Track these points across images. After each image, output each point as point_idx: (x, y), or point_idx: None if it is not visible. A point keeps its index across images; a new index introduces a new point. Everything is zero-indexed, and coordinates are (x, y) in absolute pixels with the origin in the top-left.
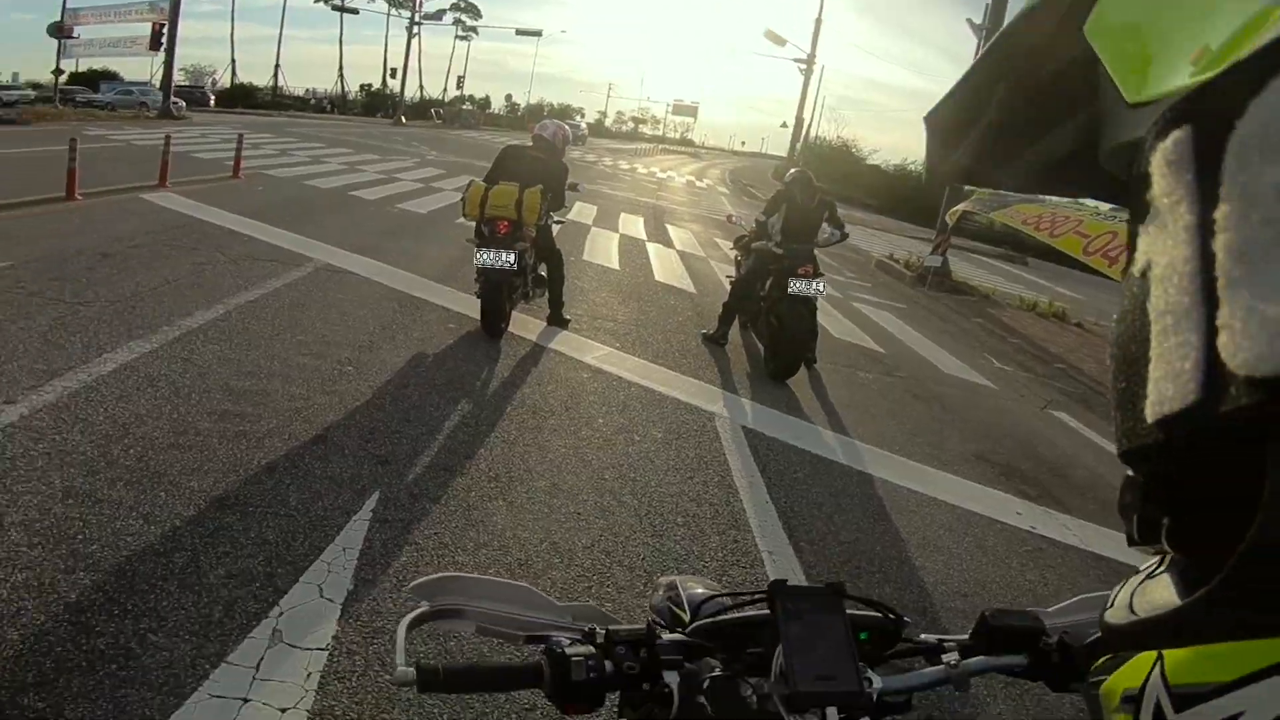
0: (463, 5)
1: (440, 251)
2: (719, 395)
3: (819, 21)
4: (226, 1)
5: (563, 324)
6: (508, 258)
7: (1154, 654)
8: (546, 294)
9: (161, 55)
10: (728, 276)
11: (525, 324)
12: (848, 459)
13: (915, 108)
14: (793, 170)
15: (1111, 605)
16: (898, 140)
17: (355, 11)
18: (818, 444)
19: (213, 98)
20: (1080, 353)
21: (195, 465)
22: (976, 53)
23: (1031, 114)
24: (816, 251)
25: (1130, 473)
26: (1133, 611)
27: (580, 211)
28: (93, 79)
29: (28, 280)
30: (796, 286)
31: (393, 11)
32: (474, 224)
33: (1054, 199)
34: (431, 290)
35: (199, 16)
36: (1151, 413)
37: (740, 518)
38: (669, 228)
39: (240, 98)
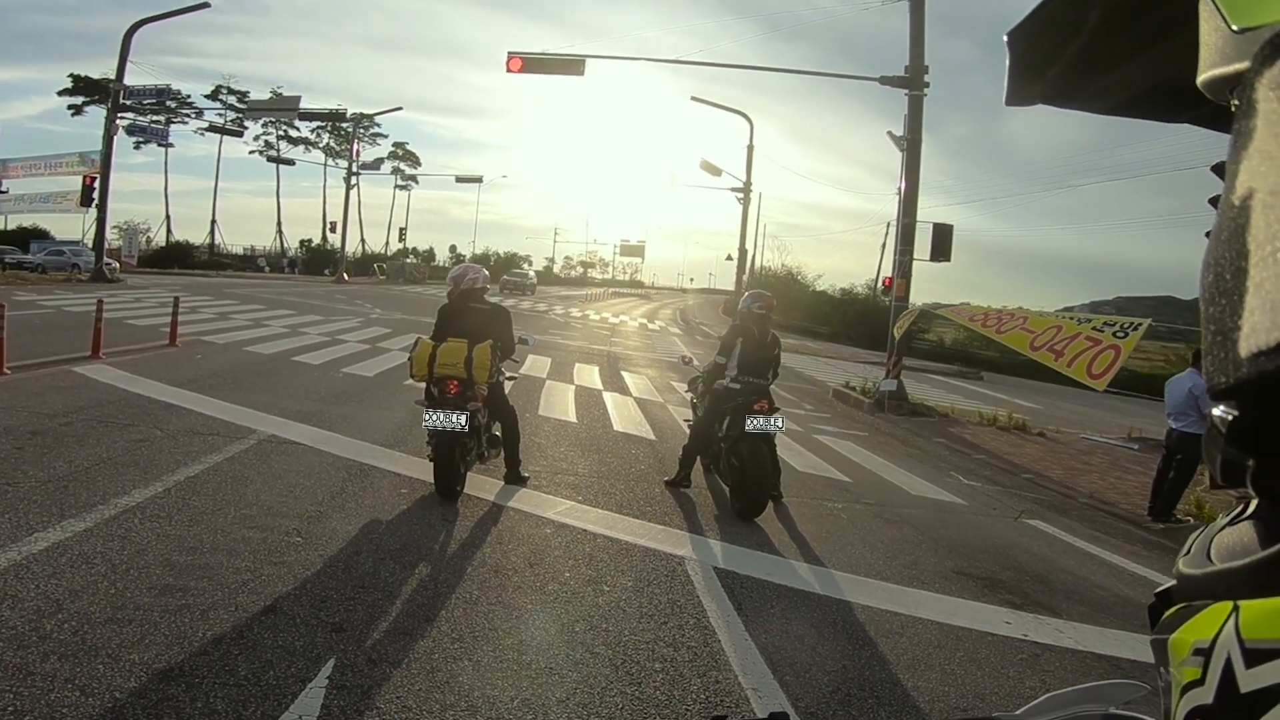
0: (400, 154)
1: (389, 416)
2: (687, 539)
3: (750, 149)
4: (159, 153)
5: (521, 482)
6: (459, 419)
7: (1229, 606)
8: (502, 453)
9: (93, 212)
10: (686, 420)
11: (482, 484)
12: (825, 589)
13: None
14: (747, 295)
15: (1187, 553)
16: (839, 263)
17: (291, 162)
18: (792, 577)
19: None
20: (1046, 461)
21: (135, 639)
22: (901, 163)
23: (1127, 33)
24: (771, 386)
25: (1216, 411)
26: (1209, 560)
27: (533, 365)
28: (22, 238)
29: None
30: (754, 424)
31: (329, 162)
32: (423, 385)
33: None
34: (381, 456)
35: (131, 169)
36: (1245, 346)
37: (720, 658)
38: (625, 375)
39: (176, 257)
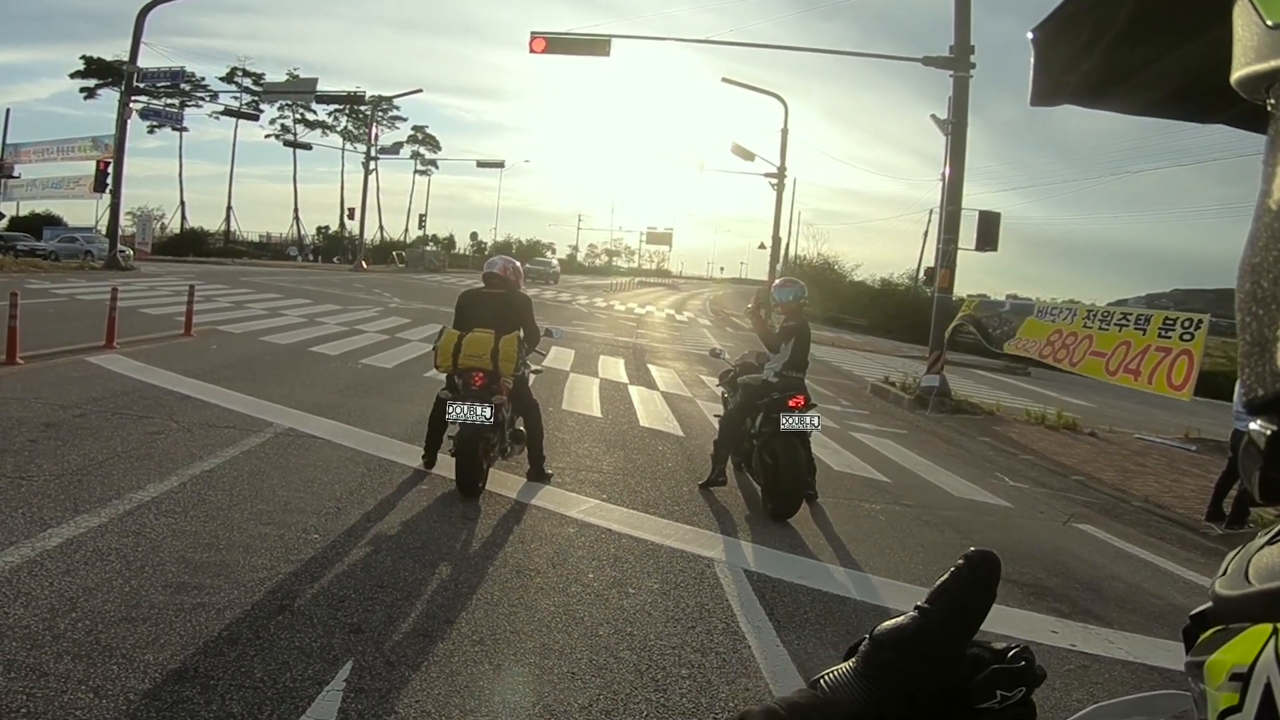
0: (420, 137)
1: (409, 409)
2: (717, 540)
3: (785, 132)
4: (173, 137)
5: (544, 479)
6: (484, 412)
7: (1269, 629)
8: (525, 449)
9: (107, 198)
10: (716, 416)
11: (504, 481)
12: (862, 594)
13: (892, 214)
14: (781, 283)
15: (1224, 573)
16: (878, 251)
17: (308, 147)
18: (828, 581)
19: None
20: (1098, 463)
21: (150, 638)
22: (946, 147)
23: (1158, 29)
24: (806, 380)
25: (1254, 426)
26: (1248, 580)
27: (557, 357)
28: (34, 224)
29: None
30: (789, 422)
31: (348, 146)
32: (446, 376)
33: (1043, 302)
34: (401, 451)
35: (144, 154)
36: None
37: (750, 665)
38: (651, 368)
39: (191, 244)
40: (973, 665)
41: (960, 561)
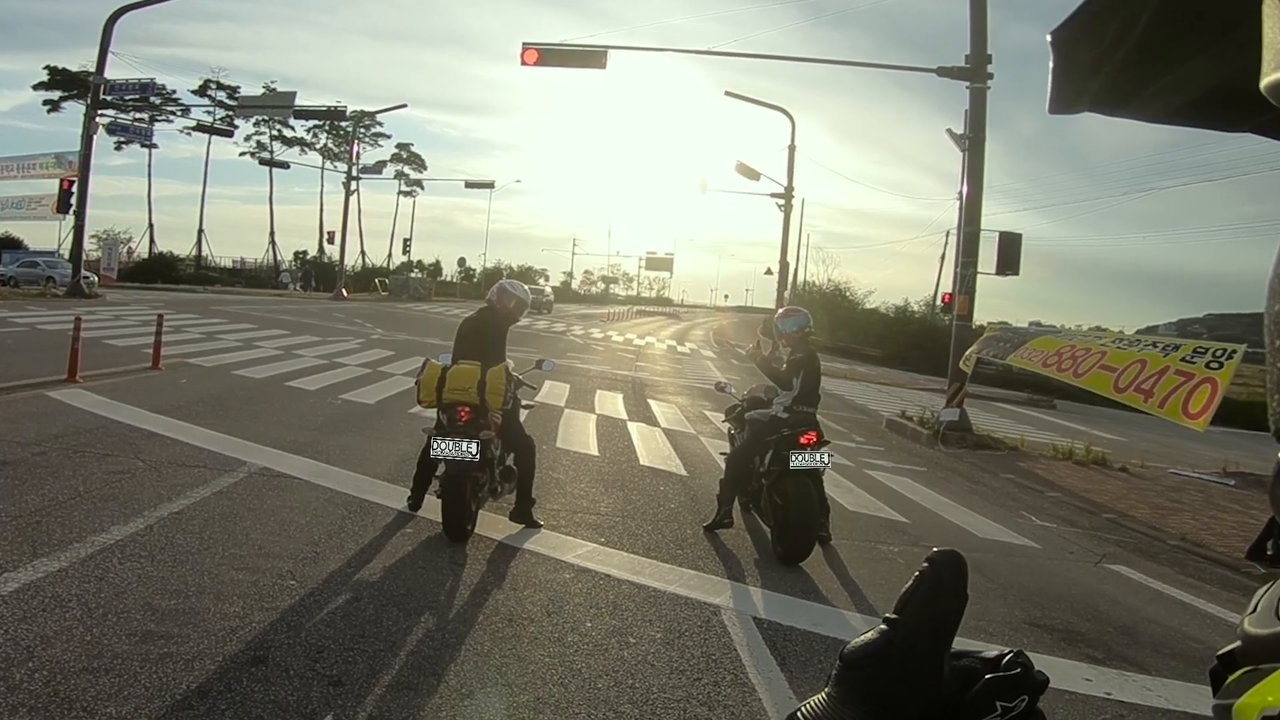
0: (404, 156)
1: (392, 447)
2: (723, 585)
3: (792, 149)
4: (141, 155)
5: (532, 525)
6: (469, 448)
7: None
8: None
9: (70, 219)
10: (722, 454)
11: (494, 524)
12: None
13: (907, 237)
14: (785, 313)
15: (1253, 610)
16: (893, 277)
17: (285, 165)
18: (843, 628)
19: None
20: (1130, 499)
21: (113, 691)
22: (963, 164)
23: (1183, 32)
24: (818, 415)
25: None
26: (1278, 620)
27: (551, 392)
28: None
29: None
30: (800, 460)
31: (327, 165)
32: (432, 411)
33: (1069, 329)
34: (384, 492)
35: (111, 171)
36: None
37: (760, 718)
38: (652, 403)
39: (159, 270)
40: (964, 678)
41: (924, 565)
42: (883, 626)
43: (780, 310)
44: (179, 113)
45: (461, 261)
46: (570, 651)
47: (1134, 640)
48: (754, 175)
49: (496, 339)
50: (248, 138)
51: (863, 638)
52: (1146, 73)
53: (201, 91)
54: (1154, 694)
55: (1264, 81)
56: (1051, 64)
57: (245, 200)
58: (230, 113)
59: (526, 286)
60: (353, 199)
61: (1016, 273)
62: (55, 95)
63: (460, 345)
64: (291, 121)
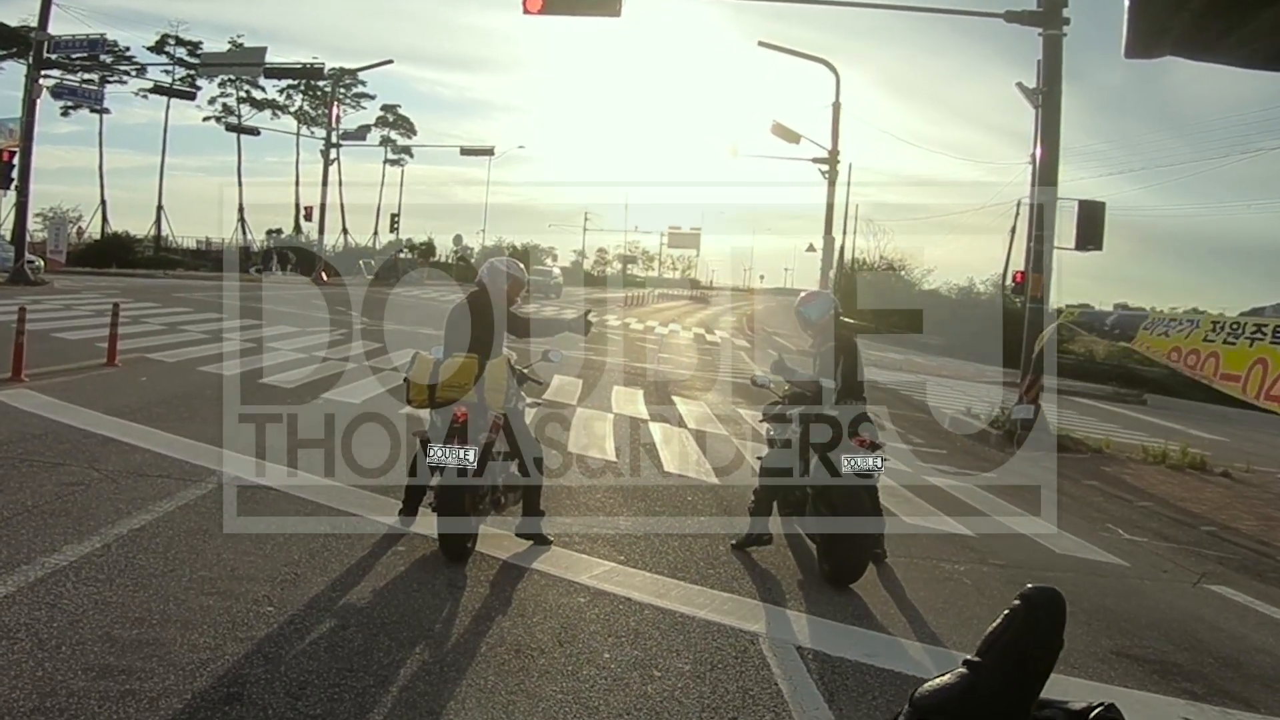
0: (391, 119)
1: (381, 453)
2: (761, 610)
3: (837, 107)
4: (91, 121)
5: (541, 541)
6: (467, 455)
7: None
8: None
9: (12, 195)
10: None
11: (498, 541)
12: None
13: (971, 206)
14: (809, 296)
15: None
16: (955, 253)
17: (255, 131)
18: (901, 659)
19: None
20: (1234, 509)
21: None
22: (1035, 122)
23: None
24: (869, 412)
25: None
26: None
27: (561, 389)
28: None
29: None
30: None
31: (304, 131)
32: (425, 412)
33: (1159, 312)
34: (373, 504)
35: (57, 140)
36: None
37: None
38: (677, 400)
39: (114, 252)
40: None
41: (1016, 603)
42: (962, 669)
43: (801, 295)
44: (133, 73)
45: (457, 239)
46: (586, 687)
47: (1239, 672)
48: (793, 138)
49: (493, 326)
50: (212, 100)
51: (939, 680)
52: (1234, 12)
53: (158, 48)
54: None
55: None
56: (1127, 2)
57: (210, 172)
58: (192, 72)
59: (535, 267)
60: (332, 169)
61: (1100, 247)
62: None
63: (452, 335)
64: (262, 81)
